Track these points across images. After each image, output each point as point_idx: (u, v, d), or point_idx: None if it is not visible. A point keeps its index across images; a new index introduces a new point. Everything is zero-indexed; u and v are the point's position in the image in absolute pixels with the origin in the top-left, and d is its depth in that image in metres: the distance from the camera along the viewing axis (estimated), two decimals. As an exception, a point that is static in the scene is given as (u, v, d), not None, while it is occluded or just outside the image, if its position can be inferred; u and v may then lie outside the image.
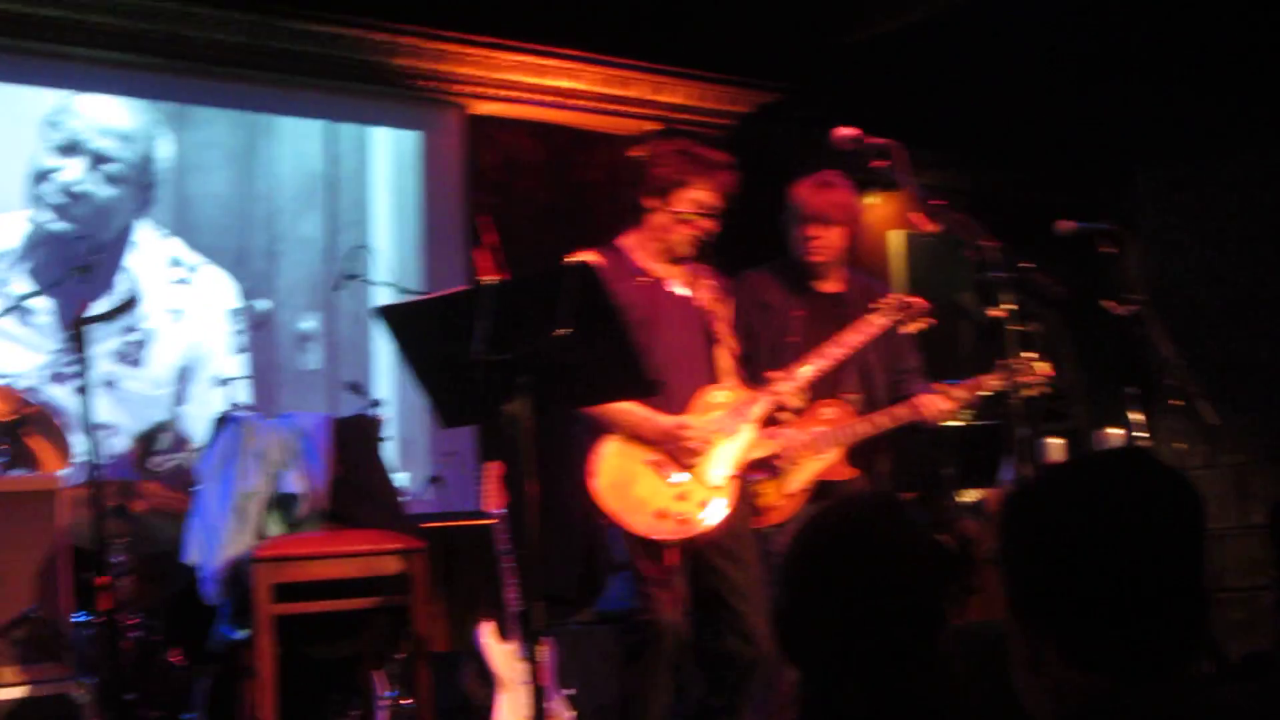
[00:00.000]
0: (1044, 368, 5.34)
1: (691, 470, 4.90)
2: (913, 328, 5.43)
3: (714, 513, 4.89)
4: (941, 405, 5.34)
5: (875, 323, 5.31)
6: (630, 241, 5.09)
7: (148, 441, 6.69)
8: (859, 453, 5.41)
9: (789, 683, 4.97)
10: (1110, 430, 6.45)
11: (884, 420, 5.33)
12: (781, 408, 5.12)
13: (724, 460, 4.95)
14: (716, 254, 5.33)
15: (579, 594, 6.88)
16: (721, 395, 5.04)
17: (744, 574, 4.95)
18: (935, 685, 2.27)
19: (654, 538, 4.81)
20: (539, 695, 3.98)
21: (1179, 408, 5.66)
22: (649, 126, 8.49)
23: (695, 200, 5.00)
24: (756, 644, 4.88)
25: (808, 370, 5.18)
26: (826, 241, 5.43)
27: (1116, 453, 1.93)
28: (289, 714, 5.04)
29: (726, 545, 4.95)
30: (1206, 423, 5.82)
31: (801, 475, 5.28)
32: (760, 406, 5.06)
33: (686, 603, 4.91)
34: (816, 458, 5.30)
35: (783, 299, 5.48)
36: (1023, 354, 5.29)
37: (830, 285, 5.56)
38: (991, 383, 5.30)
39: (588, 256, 4.84)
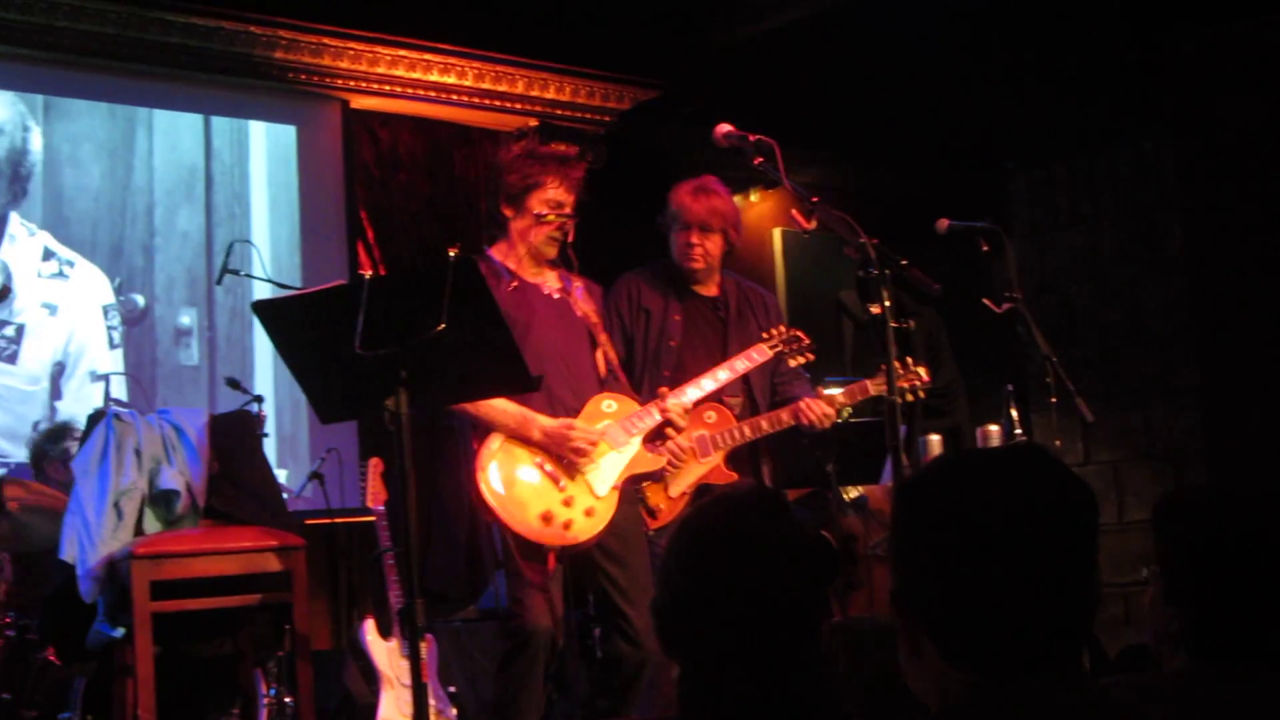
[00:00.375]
0: (923, 371, 5.41)
1: (578, 476, 4.89)
2: (795, 362, 5.46)
3: (597, 522, 4.88)
4: (823, 410, 5.37)
5: (765, 353, 5.35)
6: (499, 251, 5.09)
7: (53, 438, 6.58)
8: (740, 456, 5.43)
9: (672, 680, 4.99)
10: (990, 427, 6.51)
11: (765, 424, 5.36)
12: (669, 424, 5.13)
13: (610, 471, 4.95)
14: (596, 249, 5.34)
15: (462, 591, 6.86)
16: (611, 405, 5.04)
17: (630, 576, 4.95)
18: (817, 680, 2.28)
19: (535, 540, 4.80)
20: (421, 693, 3.96)
21: (1056, 405, 5.74)
22: (529, 122, 8.50)
23: (550, 200, 5.00)
24: (643, 646, 4.88)
25: (696, 392, 5.20)
26: (707, 248, 5.46)
27: (1013, 448, 1.94)
28: (168, 713, 4.98)
29: (613, 548, 4.96)
30: (1083, 420, 5.92)
31: (685, 479, 5.29)
32: (648, 421, 5.07)
33: (560, 608, 4.90)
34: (699, 462, 5.31)
35: (661, 303, 5.49)
36: (904, 358, 5.35)
37: (708, 289, 5.58)
38: (872, 387, 5.35)
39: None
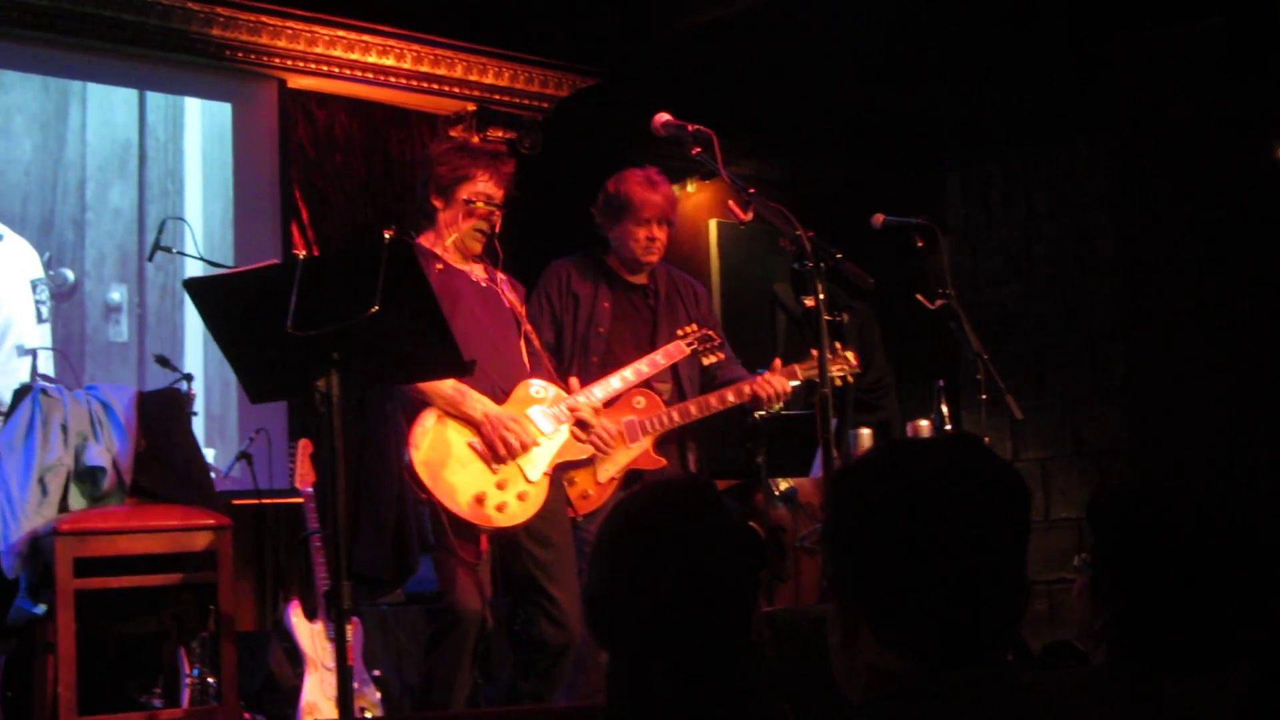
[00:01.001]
0: (851, 356, 5.42)
1: (510, 461, 4.88)
2: (707, 361, 5.47)
3: (529, 507, 4.87)
4: (783, 385, 5.36)
5: (681, 351, 5.36)
6: (426, 240, 5.08)
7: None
8: (666, 442, 5.43)
9: (600, 666, 5.00)
10: (920, 422, 6.56)
11: (694, 409, 5.35)
12: (578, 423, 5.12)
13: (542, 456, 4.95)
14: (532, 235, 5.33)
15: (389, 575, 6.83)
16: (539, 390, 5.03)
17: (557, 559, 4.95)
18: (746, 669, 2.28)
19: (468, 520, 4.79)
20: (346, 675, 3.95)
21: (986, 401, 5.79)
22: (467, 107, 8.48)
23: (479, 193, 5.00)
24: (568, 628, 4.89)
25: (601, 393, 5.19)
26: (663, 242, 5.48)
27: (950, 437, 1.96)
28: (90, 691, 4.94)
29: (540, 531, 4.95)
30: (1012, 417, 5.96)
31: (613, 465, 5.29)
32: (572, 407, 5.07)
33: (489, 590, 4.91)
34: (627, 447, 5.30)
35: (591, 290, 5.48)
36: (834, 344, 5.37)
37: (639, 277, 5.58)
38: (804, 370, 5.36)
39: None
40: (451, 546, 4.78)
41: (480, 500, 4.80)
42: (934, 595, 1.81)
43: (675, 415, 5.34)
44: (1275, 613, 2.33)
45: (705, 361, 5.46)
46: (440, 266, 4.95)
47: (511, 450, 4.86)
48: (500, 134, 8.39)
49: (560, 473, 5.09)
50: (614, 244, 5.54)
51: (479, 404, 4.86)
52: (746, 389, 5.36)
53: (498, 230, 5.08)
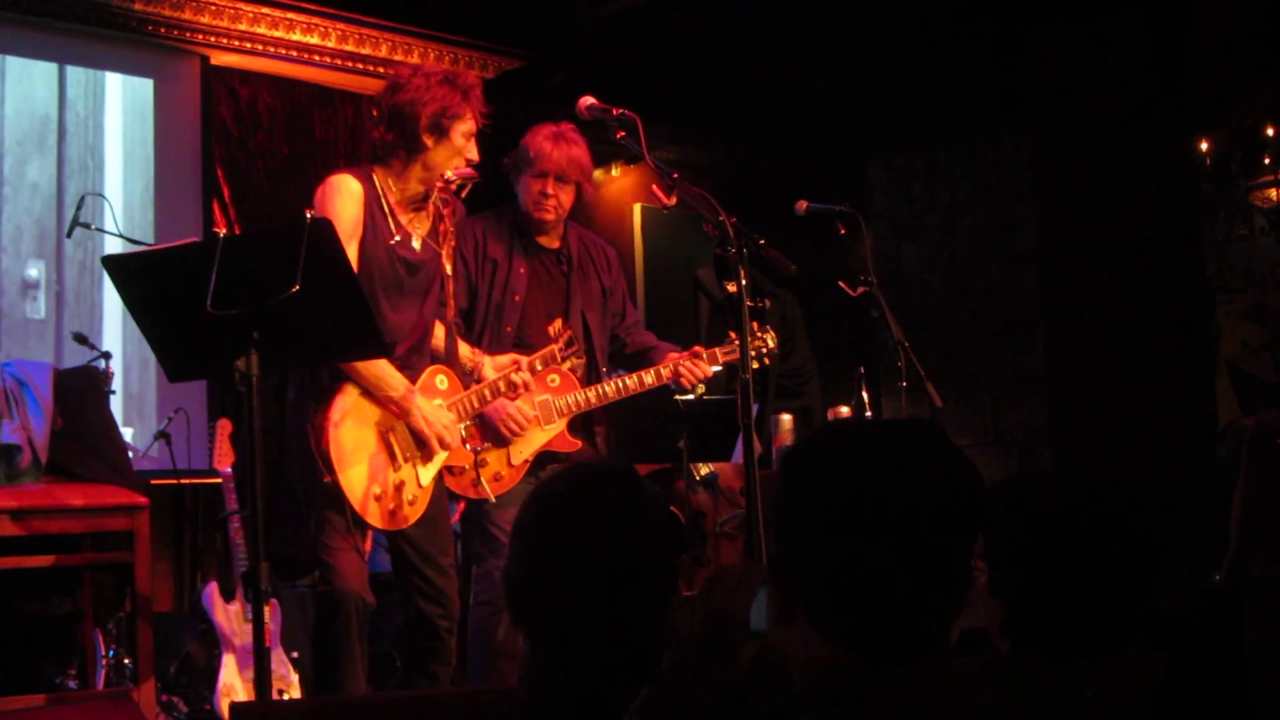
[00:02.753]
0: (770, 339, 5.42)
1: (412, 458, 4.78)
2: (566, 365, 5.33)
3: (416, 510, 4.77)
4: (704, 370, 5.34)
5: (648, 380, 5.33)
6: (385, 179, 4.81)
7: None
8: (575, 423, 5.40)
9: (516, 651, 4.99)
10: (841, 409, 6.60)
11: (633, 385, 5.27)
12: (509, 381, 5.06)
13: (436, 461, 4.85)
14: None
15: (307, 555, 6.81)
16: (443, 381, 4.92)
17: (429, 538, 4.84)
18: (662, 653, 2.29)
19: (364, 517, 4.66)
20: (264, 657, 3.93)
21: (906, 389, 5.82)
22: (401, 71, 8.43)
23: (466, 131, 4.82)
24: (443, 605, 4.84)
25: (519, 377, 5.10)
26: (560, 200, 5.35)
27: (909, 423, 1.92)
28: (3, 671, 4.90)
29: None
30: (932, 404, 6.00)
31: (527, 446, 5.23)
32: (475, 404, 4.98)
33: (366, 573, 4.83)
34: (542, 429, 5.24)
35: (506, 254, 5.36)
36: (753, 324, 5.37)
37: (551, 240, 5.49)
38: (723, 354, 5.35)
39: (345, 177, 4.71)
40: (338, 527, 4.68)
41: (379, 499, 4.67)
42: (876, 583, 1.78)
43: (592, 397, 5.27)
44: (1160, 592, 2.37)
45: (567, 365, 5.29)
46: (396, 239, 4.75)
47: (446, 446, 4.80)
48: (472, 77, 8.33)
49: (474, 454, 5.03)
50: (519, 197, 5.41)
51: (417, 406, 4.74)
52: (666, 372, 5.32)
53: (477, 160, 4.91)
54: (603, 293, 5.53)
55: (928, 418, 1.86)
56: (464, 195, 4.95)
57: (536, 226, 5.42)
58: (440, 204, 4.91)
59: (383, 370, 4.66)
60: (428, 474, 4.81)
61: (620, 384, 5.32)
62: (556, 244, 5.50)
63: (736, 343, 5.19)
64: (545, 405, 5.23)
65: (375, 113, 4.87)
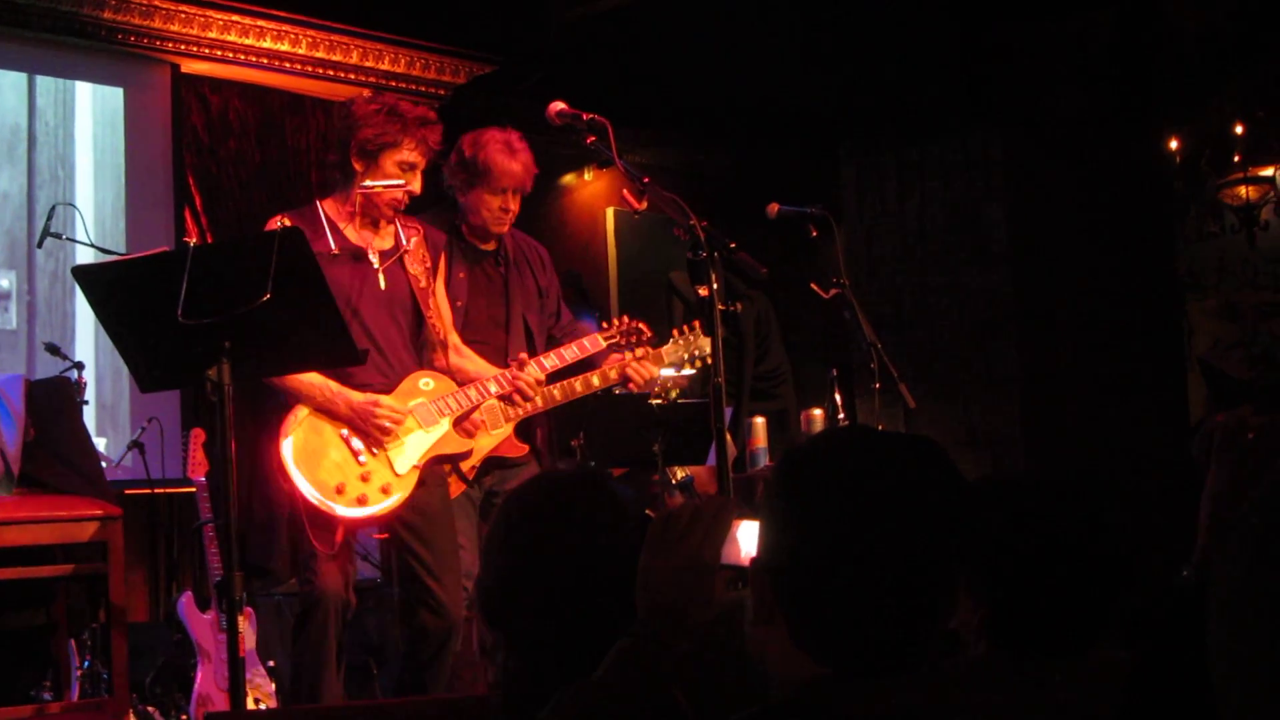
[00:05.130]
0: (705, 339, 5.37)
1: (380, 452, 4.83)
2: (634, 354, 5.31)
3: (392, 500, 4.83)
4: (650, 371, 5.32)
5: (598, 344, 5.31)
6: (331, 206, 4.95)
7: None
8: (521, 425, 5.37)
9: (468, 654, 5.00)
10: (814, 411, 6.60)
11: (580, 388, 5.25)
12: (518, 393, 5.05)
13: (414, 450, 4.89)
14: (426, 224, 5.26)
15: (282, 565, 6.80)
16: (428, 383, 4.96)
17: (436, 555, 4.90)
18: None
19: (325, 512, 4.71)
20: (238, 666, 3.93)
21: (879, 390, 5.83)
22: (363, 93, 8.41)
23: (404, 161, 4.87)
24: (448, 615, 4.86)
25: (568, 354, 5.15)
26: (515, 212, 5.39)
27: (909, 439, 1.90)
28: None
29: (418, 526, 4.90)
30: (905, 406, 6.02)
31: (475, 453, 5.20)
32: (463, 401, 5.00)
33: (352, 574, 4.86)
34: (489, 434, 5.21)
35: (445, 260, 5.33)
36: (690, 325, 5.35)
37: (488, 243, 5.49)
38: (667, 355, 5.34)
39: (283, 221, 4.76)
40: (309, 538, 4.72)
41: (339, 490, 4.72)
42: (858, 599, 1.77)
43: (539, 401, 5.23)
44: (1135, 592, 2.37)
45: (630, 356, 5.28)
46: (336, 252, 4.85)
47: (386, 431, 4.80)
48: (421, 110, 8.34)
49: (436, 468, 5.02)
50: (464, 208, 5.41)
51: (344, 402, 4.78)
52: (614, 374, 5.29)
53: (418, 193, 4.97)
54: (539, 292, 5.54)
55: (931, 439, 1.84)
56: (401, 208, 4.98)
57: (485, 235, 5.43)
58: (404, 221, 5.01)
59: (300, 382, 4.73)
60: (404, 461, 4.84)
61: (568, 388, 5.28)
62: (493, 245, 5.49)
63: (679, 340, 5.22)
64: (492, 410, 5.18)
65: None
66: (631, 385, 5.32)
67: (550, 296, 5.59)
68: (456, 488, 5.18)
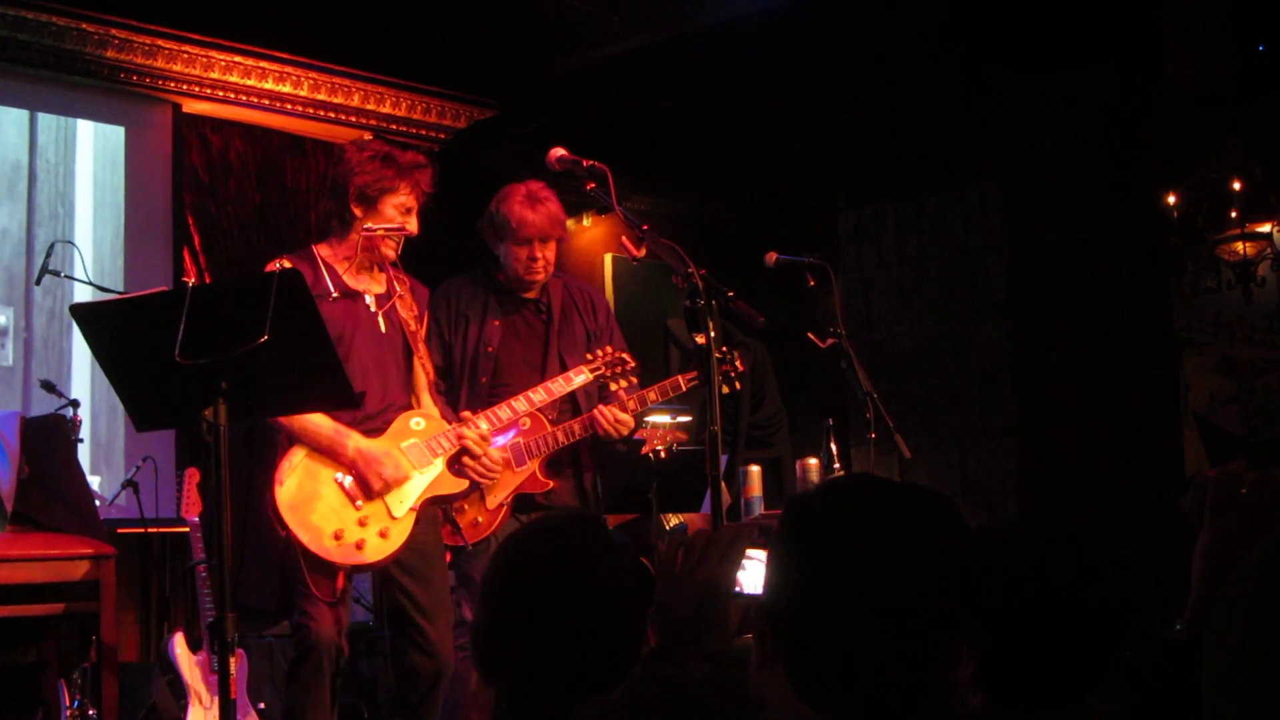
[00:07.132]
0: (689, 379, 5.38)
1: (376, 496, 4.84)
2: (615, 386, 5.38)
3: (390, 544, 4.83)
4: (615, 417, 5.33)
5: (585, 376, 5.33)
6: (327, 250, 5.02)
7: None
8: (562, 466, 5.41)
9: (481, 698, 4.98)
10: (809, 460, 6.59)
11: (562, 436, 5.32)
12: (466, 452, 5.08)
13: (411, 492, 4.90)
14: (426, 268, 5.30)
15: (274, 606, 6.78)
16: (419, 423, 4.99)
17: (429, 593, 4.92)
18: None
19: (325, 558, 4.73)
20: (229, 708, 3.91)
21: (875, 440, 5.83)
22: (364, 136, 8.45)
23: (400, 205, 4.96)
24: (438, 657, 4.86)
25: (501, 415, 5.17)
26: (547, 258, 5.44)
27: (922, 492, 1.89)
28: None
29: (413, 564, 4.91)
30: (900, 456, 6.01)
31: (502, 490, 5.26)
32: (451, 442, 5.02)
33: (347, 620, 4.86)
34: (514, 472, 5.28)
35: (480, 309, 5.45)
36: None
37: (530, 292, 5.54)
38: (684, 381, 5.36)
39: (281, 264, 4.79)
40: (306, 583, 4.72)
41: (338, 536, 4.72)
42: (867, 646, 1.74)
43: (560, 436, 5.32)
44: (1129, 644, 2.36)
45: (613, 387, 5.37)
46: (334, 297, 4.89)
47: (386, 484, 4.82)
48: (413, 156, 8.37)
49: (433, 507, 5.04)
50: (501, 261, 5.51)
51: (352, 446, 4.82)
52: (588, 421, 5.34)
53: (415, 234, 5.03)
54: (587, 336, 5.55)
55: (940, 491, 1.82)
56: (398, 252, 5.05)
57: (526, 286, 5.49)
58: (395, 273, 5.08)
59: (307, 423, 4.77)
60: (400, 505, 4.84)
61: (568, 429, 5.34)
62: (535, 294, 5.53)
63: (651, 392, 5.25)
64: (516, 448, 5.27)
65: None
66: (599, 431, 5.32)
67: (600, 339, 5.59)
68: (478, 532, 5.21)
